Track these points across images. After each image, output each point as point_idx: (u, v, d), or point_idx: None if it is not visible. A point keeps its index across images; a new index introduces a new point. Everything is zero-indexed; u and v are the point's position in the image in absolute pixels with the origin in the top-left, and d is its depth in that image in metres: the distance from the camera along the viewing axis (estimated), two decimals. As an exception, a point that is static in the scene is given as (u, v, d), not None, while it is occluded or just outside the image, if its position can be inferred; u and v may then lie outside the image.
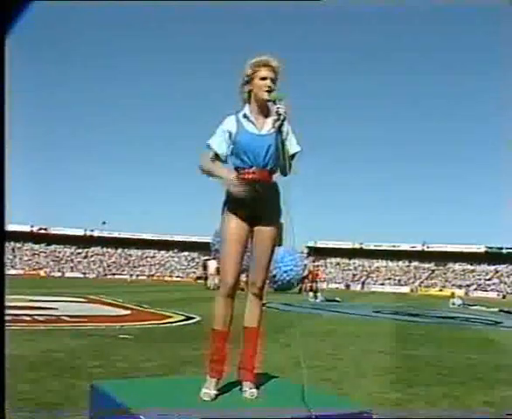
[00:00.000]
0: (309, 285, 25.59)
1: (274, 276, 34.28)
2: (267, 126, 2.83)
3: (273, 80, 2.82)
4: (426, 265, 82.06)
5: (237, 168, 2.83)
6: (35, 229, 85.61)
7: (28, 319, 9.15)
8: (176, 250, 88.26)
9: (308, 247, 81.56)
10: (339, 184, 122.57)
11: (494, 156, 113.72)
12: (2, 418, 1.44)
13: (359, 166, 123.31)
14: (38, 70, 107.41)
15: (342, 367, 5.70)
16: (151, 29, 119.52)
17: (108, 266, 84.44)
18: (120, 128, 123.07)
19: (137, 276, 77.87)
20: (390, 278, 79.57)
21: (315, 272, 25.64)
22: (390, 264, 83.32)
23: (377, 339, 8.90)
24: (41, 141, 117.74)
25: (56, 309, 11.55)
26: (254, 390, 2.76)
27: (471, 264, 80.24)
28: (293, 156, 2.89)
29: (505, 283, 74.83)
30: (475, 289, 72.55)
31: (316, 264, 33.41)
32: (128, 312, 12.02)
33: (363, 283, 76.79)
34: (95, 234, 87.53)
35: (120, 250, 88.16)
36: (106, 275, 78.38)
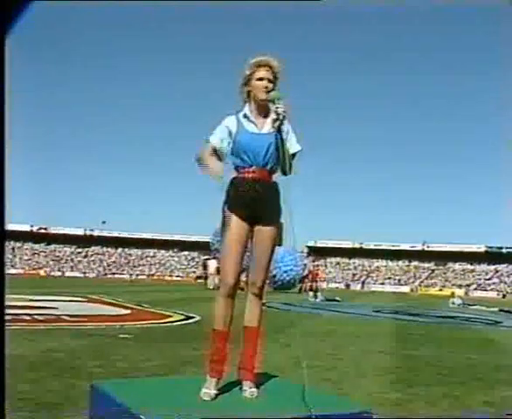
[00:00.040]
0: (309, 284, 25.58)
1: (274, 276, 34.30)
2: (267, 125, 2.83)
3: (271, 81, 2.82)
4: (426, 265, 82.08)
5: (237, 168, 2.83)
6: (35, 228, 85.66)
7: (28, 318, 9.14)
8: (176, 250, 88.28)
9: (308, 247, 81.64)
10: (339, 184, 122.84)
11: (494, 156, 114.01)
12: (2, 418, 1.44)
13: (359, 166, 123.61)
14: (38, 70, 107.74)
15: (342, 367, 5.69)
16: (151, 29, 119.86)
17: (108, 266, 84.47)
18: (120, 128, 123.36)
19: (137, 275, 77.92)
20: (390, 278, 79.59)
21: (315, 272, 25.61)
22: (390, 263, 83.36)
23: (377, 339, 8.90)
24: (41, 141, 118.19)
25: (56, 309, 11.54)
26: (254, 390, 2.76)
27: (471, 264, 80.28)
28: (293, 156, 2.89)
29: (505, 282, 74.87)
30: (475, 289, 72.59)
31: (316, 263, 33.31)
32: (128, 311, 12.01)
33: (363, 282, 76.81)
34: (95, 233, 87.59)
35: (120, 250, 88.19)
36: (106, 275, 78.42)
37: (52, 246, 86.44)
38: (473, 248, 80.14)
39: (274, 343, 7.09)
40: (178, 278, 74.92)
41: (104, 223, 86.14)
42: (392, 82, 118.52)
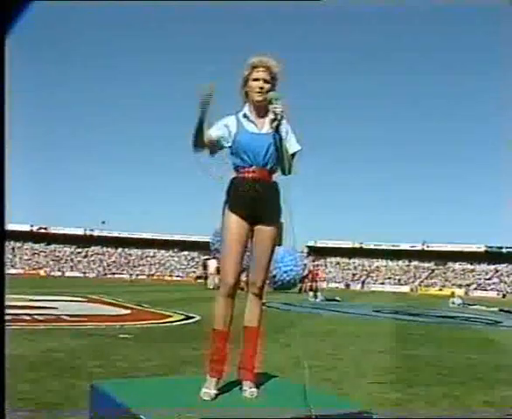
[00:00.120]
0: (309, 284, 25.58)
1: (274, 276, 34.29)
2: (267, 125, 2.84)
3: (268, 81, 2.82)
4: (426, 265, 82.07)
5: (237, 168, 2.84)
6: (35, 228, 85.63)
7: (28, 318, 9.15)
8: (175, 250, 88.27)
9: (308, 247, 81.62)
10: (339, 184, 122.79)
11: (494, 156, 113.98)
12: (2, 418, 1.44)
13: (359, 166, 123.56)
14: (38, 70, 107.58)
15: (342, 367, 5.69)
16: (151, 29, 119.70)
17: (108, 266, 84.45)
18: (120, 128, 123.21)
19: (137, 275, 77.89)
20: (390, 278, 79.59)
21: (315, 272, 25.61)
22: (390, 263, 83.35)
23: (377, 339, 8.90)
24: (41, 141, 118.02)
25: (56, 308, 11.55)
26: (254, 390, 2.76)
27: (471, 264, 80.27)
28: (293, 156, 2.89)
29: (505, 282, 74.86)
30: (475, 288, 72.58)
31: (316, 263, 33.35)
32: (128, 311, 12.02)
33: (363, 282, 76.81)
34: (95, 233, 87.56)
35: (120, 250, 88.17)
36: (106, 274, 78.40)
37: (52, 246, 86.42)
38: (473, 248, 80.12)
39: (274, 343, 7.09)
40: (178, 278, 74.90)
41: (104, 223, 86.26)
42: (392, 82, 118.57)
